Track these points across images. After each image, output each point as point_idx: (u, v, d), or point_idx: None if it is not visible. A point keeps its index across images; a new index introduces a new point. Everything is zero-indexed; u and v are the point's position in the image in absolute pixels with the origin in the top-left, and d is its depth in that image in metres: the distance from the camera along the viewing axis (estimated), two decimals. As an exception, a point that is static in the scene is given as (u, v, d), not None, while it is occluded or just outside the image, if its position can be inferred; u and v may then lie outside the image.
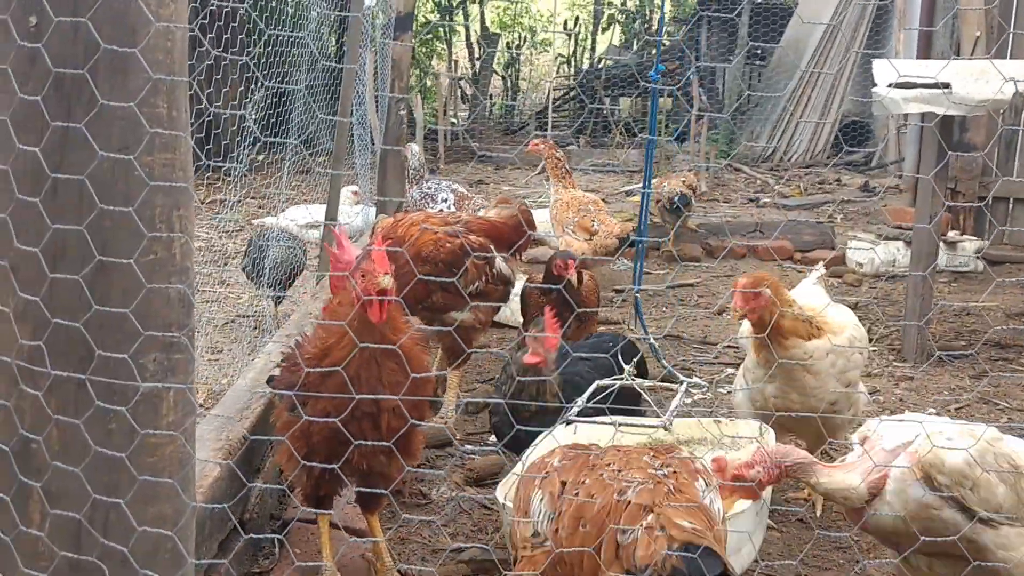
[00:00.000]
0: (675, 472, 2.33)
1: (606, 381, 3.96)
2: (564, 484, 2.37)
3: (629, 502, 2.22)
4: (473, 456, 4.53)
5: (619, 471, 2.32)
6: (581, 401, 3.79)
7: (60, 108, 1.95)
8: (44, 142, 1.94)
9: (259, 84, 5.20)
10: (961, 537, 2.72)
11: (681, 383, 4.14)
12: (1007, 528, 2.80)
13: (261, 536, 3.42)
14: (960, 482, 2.76)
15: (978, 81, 5.59)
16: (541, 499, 2.38)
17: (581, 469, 2.40)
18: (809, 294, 4.40)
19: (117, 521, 1.95)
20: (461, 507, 4.09)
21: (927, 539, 2.70)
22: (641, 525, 2.18)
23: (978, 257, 8.52)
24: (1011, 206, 9.10)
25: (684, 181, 9.28)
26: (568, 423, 3.66)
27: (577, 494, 2.29)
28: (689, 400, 3.60)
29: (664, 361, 5.15)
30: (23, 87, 1.95)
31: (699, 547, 2.16)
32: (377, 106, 9.55)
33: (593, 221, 7.42)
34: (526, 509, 2.44)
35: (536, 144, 7.76)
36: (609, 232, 7.32)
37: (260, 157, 5.99)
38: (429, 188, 7.82)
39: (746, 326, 4.13)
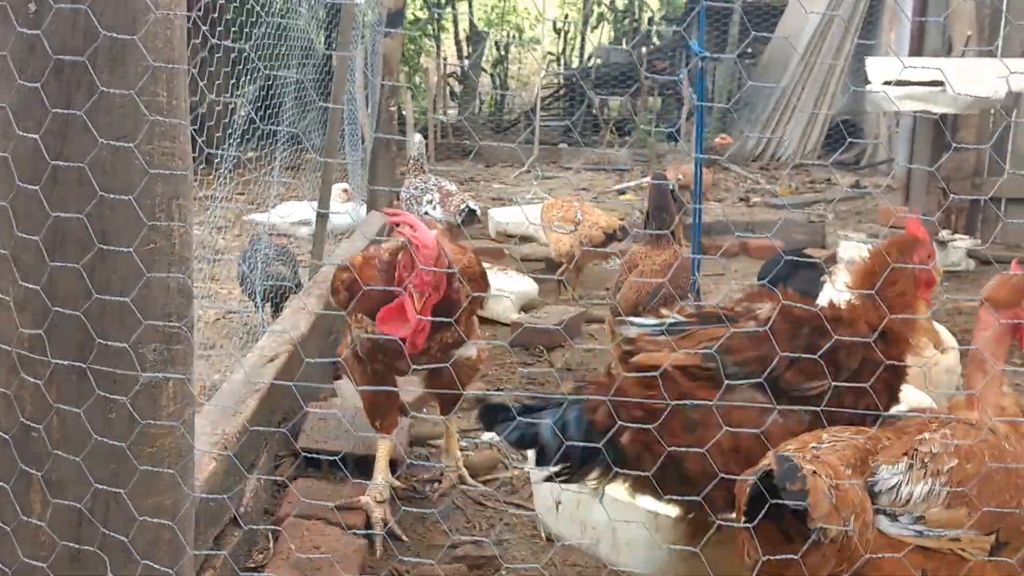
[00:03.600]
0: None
1: None
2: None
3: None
4: (468, 453, 4.52)
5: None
6: None
7: (60, 95, 1.93)
8: (44, 129, 1.93)
9: (250, 77, 5.15)
10: None
11: None
12: None
13: (257, 528, 3.40)
14: None
15: (971, 80, 5.62)
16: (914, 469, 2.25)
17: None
18: None
19: (117, 511, 1.93)
20: (455, 503, 4.08)
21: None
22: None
23: (970, 256, 8.54)
24: (1003, 206, 9.13)
25: (682, 173, 9.24)
26: None
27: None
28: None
29: None
30: (22, 74, 1.93)
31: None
32: (368, 103, 9.53)
33: (576, 212, 7.43)
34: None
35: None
36: (594, 223, 7.30)
37: (251, 153, 5.94)
38: (416, 190, 7.78)
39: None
